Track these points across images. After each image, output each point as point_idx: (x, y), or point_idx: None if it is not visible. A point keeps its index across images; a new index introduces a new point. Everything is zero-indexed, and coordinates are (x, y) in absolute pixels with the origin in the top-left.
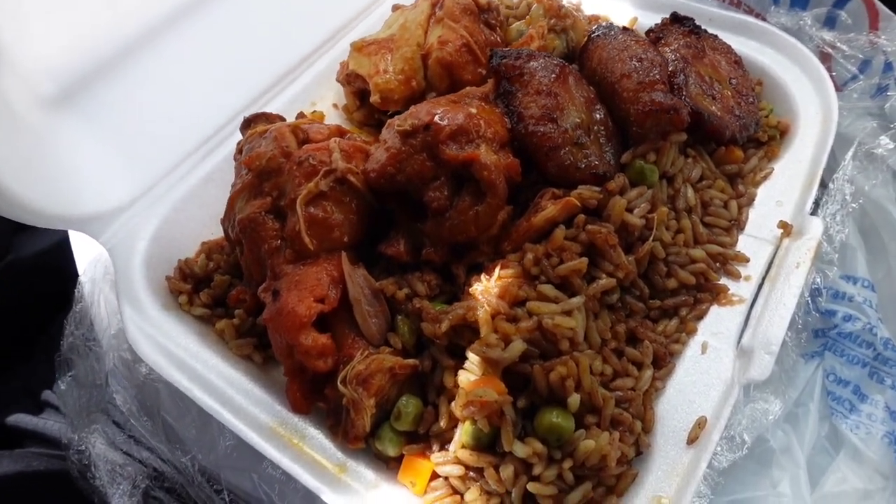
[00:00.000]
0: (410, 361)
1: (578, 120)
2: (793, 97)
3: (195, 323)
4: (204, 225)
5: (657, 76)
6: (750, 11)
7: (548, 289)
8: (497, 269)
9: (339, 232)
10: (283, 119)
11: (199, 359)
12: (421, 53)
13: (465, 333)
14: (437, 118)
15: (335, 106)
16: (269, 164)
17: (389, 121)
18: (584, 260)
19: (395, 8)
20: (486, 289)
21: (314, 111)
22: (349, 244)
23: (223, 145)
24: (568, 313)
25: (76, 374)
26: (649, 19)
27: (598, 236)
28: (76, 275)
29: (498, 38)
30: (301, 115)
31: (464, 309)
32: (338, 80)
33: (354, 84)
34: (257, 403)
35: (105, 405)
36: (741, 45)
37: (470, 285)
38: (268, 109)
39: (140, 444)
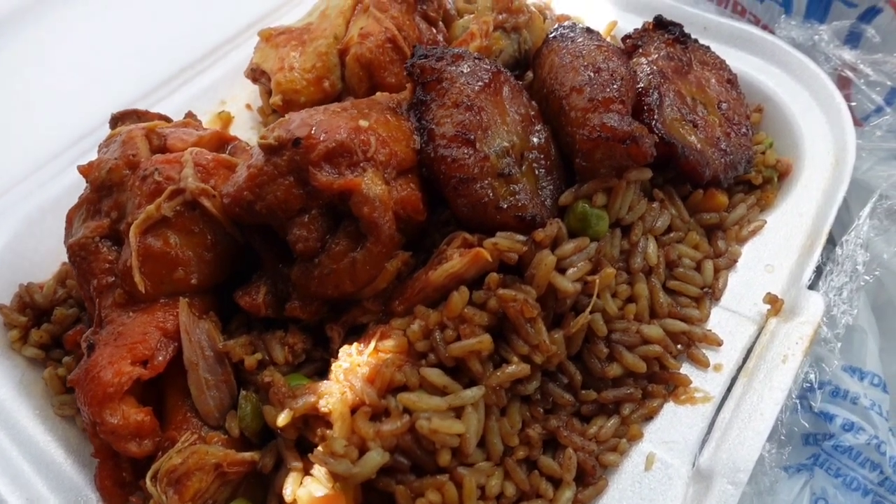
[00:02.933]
0: (245, 457)
1: (507, 144)
2: (799, 130)
3: (24, 366)
4: None
5: (614, 93)
6: (756, 21)
7: (434, 374)
8: (375, 339)
9: (185, 271)
10: (164, 119)
11: (7, 417)
12: (338, 48)
13: (317, 426)
14: (312, 130)
15: (248, 107)
16: (110, 176)
17: (263, 131)
18: (487, 338)
19: None
20: (353, 367)
21: (222, 111)
22: (198, 287)
23: None
24: (457, 412)
25: None
26: (632, 24)
27: (510, 306)
28: None
29: (440, 37)
30: (189, 116)
31: (315, 395)
32: (245, 76)
33: (262, 80)
34: (60, 488)
35: None
36: (739, 60)
37: (337, 357)
38: (165, 106)
39: None
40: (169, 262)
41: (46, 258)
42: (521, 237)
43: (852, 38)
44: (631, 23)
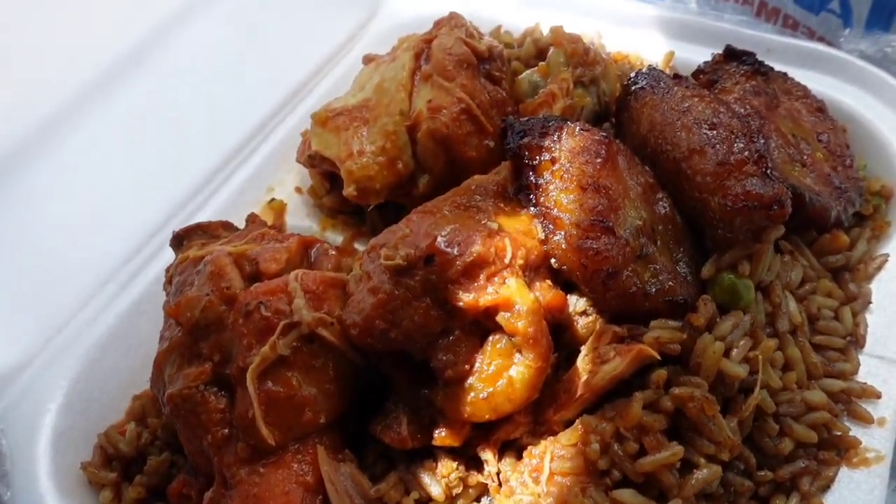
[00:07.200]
0: None
1: (639, 221)
2: (891, 148)
3: None
4: (135, 373)
5: (744, 153)
6: (812, 35)
7: (628, 496)
8: (547, 462)
9: (312, 412)
10: (228, 227)
11: None
12: (406, 124)
13: None
14: (441, 243)
15: (298, 190)
16: (205, 315)
17: (372, 242)
18: (679, 450)
19: (368, 60)
20: (536, 501)
21: (272, 200)
22: (327, 424)
23: (155, 260)
24: None
25: None
26: (689, 53)
27: (690, 406)
28: None
29: (503, 94)
30: (252, 219)
31: None
32: (299, 161)
33: (321, 166)
34: None
35: None
36: (811, 81)
37: (506, 480)
38: (212, 204)
39: None
40: (295, 406)
41: (114, 397)
42: (675, 323)
43: None
44: (689, 52)
